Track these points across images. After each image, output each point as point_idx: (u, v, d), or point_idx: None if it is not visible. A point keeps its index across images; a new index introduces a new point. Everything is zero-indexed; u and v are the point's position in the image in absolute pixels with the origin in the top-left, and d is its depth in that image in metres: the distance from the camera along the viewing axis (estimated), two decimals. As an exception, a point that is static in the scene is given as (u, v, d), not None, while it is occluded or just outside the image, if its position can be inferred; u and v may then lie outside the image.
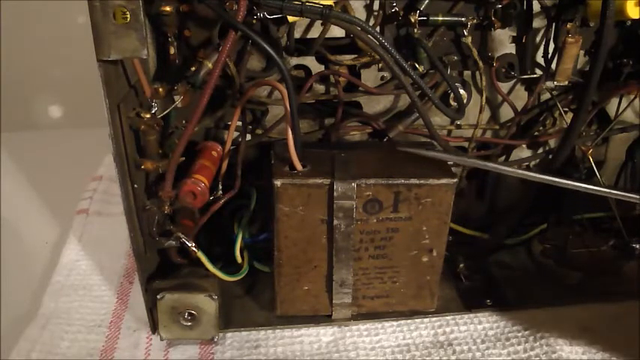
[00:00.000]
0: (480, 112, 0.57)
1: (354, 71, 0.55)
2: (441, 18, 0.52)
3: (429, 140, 0.56)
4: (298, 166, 0.48)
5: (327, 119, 0.57)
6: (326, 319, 0.54)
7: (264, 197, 0.54)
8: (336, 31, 0.52)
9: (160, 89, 0.47)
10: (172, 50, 0.49)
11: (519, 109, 0.58)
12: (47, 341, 0.51)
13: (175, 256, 0.51)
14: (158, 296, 0.49)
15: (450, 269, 0.59)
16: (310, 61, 0.54)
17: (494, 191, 0.63)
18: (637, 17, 0.47)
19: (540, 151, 0.62)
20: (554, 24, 0.54)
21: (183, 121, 0.51)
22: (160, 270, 0.52)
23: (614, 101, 0.59)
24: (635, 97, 0.58)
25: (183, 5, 0.47)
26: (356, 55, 0.54)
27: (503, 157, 0.62)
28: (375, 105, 0.58)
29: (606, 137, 0.61)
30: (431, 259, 0.52)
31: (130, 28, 0.39)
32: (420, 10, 0.51)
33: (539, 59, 0.56)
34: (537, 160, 0.62)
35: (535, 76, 0.57)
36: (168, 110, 0.48)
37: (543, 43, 0.55)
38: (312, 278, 0.52)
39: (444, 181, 0.49)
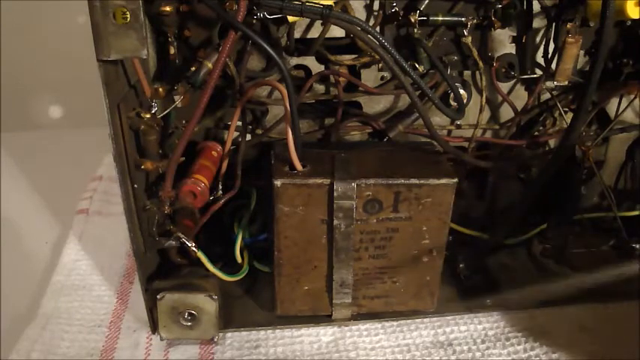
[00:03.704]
0: (480, 112, 0.57)
1: (354, 71, 0.55)
2: (441, 18, 0.52)
3: (429, 140, 0.56)
4: (298, 166, 0.48)
5: (327, 119, 0.57)
6: (326, 319, 0.54)
7: (264, 197, 0.54)
8: (336, 31, 0.52)
9: (160, 89, 0.47)
10: (172, 50, 0.49)
11: (519, 109, 0.58)
12: (47, 341, 0.51)
13: (175, 256, 0.51)
14: (158, 296, 0.49)
15: (450, 269, 0.58)
16: (310, 61, 0.54)
17: (494, 191, 0.63)
18: (637, 17, 0.47)
19: (540, 151, 0.62)
20: (554, 24, 0.54)
21: (183, 121, 0.51)
22: (160, 270, 0.52)
23: (614, 101, 0.59)
24: (635, 97, 0.58)
25: (183, 5, 0.47)
26: (356, 55, 0.53)
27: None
28: (375, 105, 0.58)
29: (606, 137, 0.61)
30: (431, 259, 0.52)
31: (130, 28, 0.39)
32: (420, 10, 0.51)
33: (539, 59, 0.56)
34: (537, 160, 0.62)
35: (535, 76, 0.57)
36: (168, 110, 0.48)
37: (543, 43, 0.55)
38: (312, 278, 0.52)
39: (443, 181, 0.48)
